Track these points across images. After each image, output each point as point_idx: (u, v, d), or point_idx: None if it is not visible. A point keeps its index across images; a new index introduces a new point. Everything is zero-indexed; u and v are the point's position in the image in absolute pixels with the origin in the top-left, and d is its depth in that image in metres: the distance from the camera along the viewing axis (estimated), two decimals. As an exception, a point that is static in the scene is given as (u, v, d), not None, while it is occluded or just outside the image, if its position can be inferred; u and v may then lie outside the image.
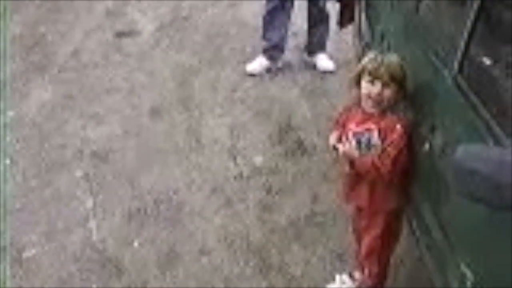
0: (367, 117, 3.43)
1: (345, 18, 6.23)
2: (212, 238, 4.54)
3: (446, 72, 3.12)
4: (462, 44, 3.00)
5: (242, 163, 5.27)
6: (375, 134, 3.38)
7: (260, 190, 4.96)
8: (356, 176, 3.53)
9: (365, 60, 3.46)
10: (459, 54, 3.01)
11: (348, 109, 3.63)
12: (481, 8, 2.90)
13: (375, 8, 4.81)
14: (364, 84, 3.39)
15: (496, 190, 2.17)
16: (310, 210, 4.72)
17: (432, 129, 3.11)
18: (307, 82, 6.42)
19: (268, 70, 6.61)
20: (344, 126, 3.58)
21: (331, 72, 6.54)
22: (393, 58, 3.43)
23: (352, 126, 3.49)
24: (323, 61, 6.71)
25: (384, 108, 3.39)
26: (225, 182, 5.07)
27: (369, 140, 3.40)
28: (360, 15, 5.33)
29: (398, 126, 3.33)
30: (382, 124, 3.37)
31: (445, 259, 2.98)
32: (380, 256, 3.71)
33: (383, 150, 3.34)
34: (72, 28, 7.80)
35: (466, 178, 2.26)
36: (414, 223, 3.55)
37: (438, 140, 3.04)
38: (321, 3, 6.52)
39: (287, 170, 5.16)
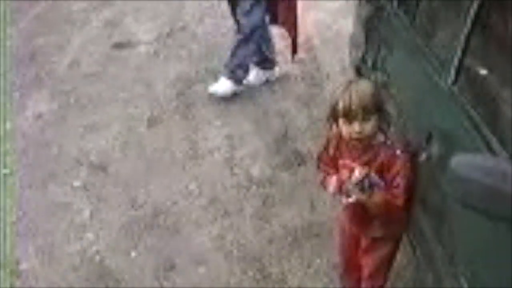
0: (361, 152, 3.26)
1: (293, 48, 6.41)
2: (209, 248, 4.55)
3: (441, 82, 3.13)
4: (457, 54, 3.02)
5: (239, 174, 5.28)
6: (372, 174, 3.21)
7: (257, 200, 4.96)
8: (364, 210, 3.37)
9: (335, 96, 3.18)
10: (454, 64, 3.03)
11: (333, 144, 3.40)
12: (476, 19, 2.92)
13: (371, 18, 4.82)
14: (342, 125, 3.17)
15: (491, 198, 2.19)
16: (307, 220, 4.72)
17: (428, 139, 3.12)
18: (303, 92, 6.42)
19: (266, 81, 6.60)
20: (335, 162, 3.42)
21: (328, 81, 6.54)
22: (363, 88, 3.15)
23: (346, 164, 3.33)
24: (217, 85, 6.39)
25: (372, 140, 3.22)
26: (223, 192, 5.08)
27: (369, 183, 3.21)
28: (356, 25, 5.34)
29: (399, 152, 3.20)
30: (381, 157, 3.21)
31: (443, 270, 2.98)
32: (383, 273, 3.66)
33: (391, 181, 3.21)
34: (70, 39, 7.81)
35: (461, 187, 2.28)
36: (412, 234, 3.55)
37: (434, 149, 3.05)
38: (243, 23, 6.14)
39: (284, 180, 5.17)
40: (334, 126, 3.25)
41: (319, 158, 3.52)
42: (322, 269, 4.30)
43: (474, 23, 2.93)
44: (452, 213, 2.86)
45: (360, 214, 3.43)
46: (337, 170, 3.41)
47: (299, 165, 5.33)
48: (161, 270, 4.37)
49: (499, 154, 2.50)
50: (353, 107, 3.08)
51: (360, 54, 4.96)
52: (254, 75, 6.57)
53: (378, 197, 3.22)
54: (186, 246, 4.57)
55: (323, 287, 4.16)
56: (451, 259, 2.87)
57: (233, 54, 6.25)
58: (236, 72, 6.29)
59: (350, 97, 3.09)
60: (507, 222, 2.28)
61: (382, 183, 3.22)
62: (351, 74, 5.45)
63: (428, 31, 3.73)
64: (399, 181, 3.18)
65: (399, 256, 3.80)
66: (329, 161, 3.45)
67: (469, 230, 2.73)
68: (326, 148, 3.44)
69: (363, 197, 3.21)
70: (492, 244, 2.51)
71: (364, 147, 3.24)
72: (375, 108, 3.11)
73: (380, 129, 3.21)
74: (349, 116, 3.11)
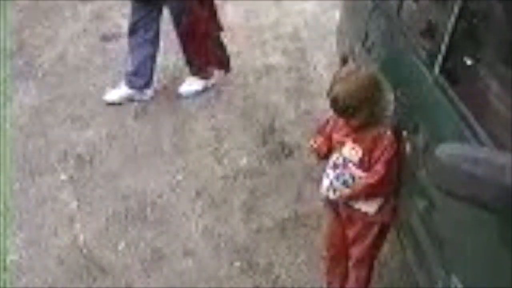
0: (352, 132, 3.38)
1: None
2: (197, 239, 4.55)
3: (427, 72, 3.14)
4: (443, 45, 3.03)
5: (226, 165, 5.28)
6: (353, 169, 3.38)
7: (245, 192, 4.97)
8: None
9: (331, 84, 3.29)
10: (440, 54, 3.04)
11: (333, 120, 3.54)
12: (462, 9, 2.93)
13: (358, 9, 4.83)
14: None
15: (476, 188, 2.20)
16: (294, 211, 4.73)
17: (415, 129, 3.13)
18: (290, 84, 6.43)
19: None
20: (330, 135, 3.54)
21: (315, 74, 6.54)
22: (356, 83, 3.22)
23: (339, 139, 3.47)
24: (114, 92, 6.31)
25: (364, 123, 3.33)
26: (210, 184, 5.08)
27: (352, 178, 3.40)
28: (343, 17, 5.35)
29: (387, 133, 3.30)
30: (371, 135, 3.33)
31: (432, 267, 2.98)
32: (370, 262, 3.71)
33: (376, 160, 3.31)
34: (57, 32, 7.77)
35: (447, 176, 2.28)
36: (399, 226, 3.56)
37: (421, 139, 3.06)
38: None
39: (272, 172, 5.18)
40: None
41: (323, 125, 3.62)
42: (309, 260, 4.30)
43: (460, 12, 2.94)
44: (441, 206, 2.86)
45: None
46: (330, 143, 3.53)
47: (286, 156, 5.34)
48: (148, 262, 4.36)
49: (485, 144, 2.51)
50: (339, 104, 3.21)
51: (347, 46, 4.97)
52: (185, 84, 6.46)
53: (360, 185, 3.37)
54: (173, 238, 4.57)
55: (311, 278, 4.16)
56: (443, 257, 2.87)
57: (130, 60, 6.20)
58: (133, 80, 6.22)
59: (337, 94, 3.21)
60: (491, 212, 2.29)
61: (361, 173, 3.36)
62: (338, 65, 5.46)
63: (414, 20, 3.74)
64: (383, 159, 3.28)
65: (387, 243, 3.81)
66: (327, 129, 3.56)
67: (456, 221, 2.74)
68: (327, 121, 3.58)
69: (347, 191, 3.40)
70: (488, 242, 2.50)
71: (356, 128, 3.34)
72: (365, 103, 3.20)
73: (372, 118, 3.31)
74: (336, 111, 3.25)
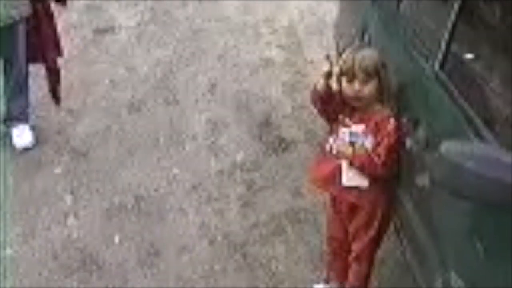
0: (359, 113, 3.45)
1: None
2: (193, 234, 4.53)
3: (428, 67, 3.13)
4: (444, 40, 3.01)
5: (223, 159, 5.26)
6: (369, 138, 3.40)
7: (241, 186, 4.95)
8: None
9: (340, 62, 3.49)
10: (441, 49, 3.03)
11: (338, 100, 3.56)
12: (463, 4, 2.91)
13: (356, 3, 4.81)
14: (344, 85, 3.42)
15: (480, 185, 2.18)
16: (291, 206, 4.72)
17: (415, 124, 3.12)
18: (287, 77, 6.41)
19: None
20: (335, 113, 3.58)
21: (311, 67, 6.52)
22: (366, 53, 3.45)
23: (343, 122, 3.51)
24: (21, 139, 5.48)
25: (370, 103, 3.40)
26: (206, 178, 5.06)
27: (362, 143, 3.41)
28: (340, 10, 5.33)
29: (392, 119, 3.35)
30: (376, 118, 3.39)
31: (432, 263, 2.97)
32: (370, 257, 3.71)
33: (378, 143, 3.35)
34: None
35: (449, 173, 2.27)
36: (398, 223, 3.54)
37: (421, 135, 3.05)
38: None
39: (268, 166, 5.16)
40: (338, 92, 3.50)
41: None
42: (306, 255, 4.30)
43: (461, 8, 2.92)
44: (441, 201, 2.85)
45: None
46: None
47: (282, 150, 5.32)
48: (144, 257, 4.35)
49: (486, 139, 2.49)
50: (355, 67, 3.36)
51: (344, 42, 4.95)
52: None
53: (362, 152, 3.41)
54: (169, 232, 4.55)
55: (308, 273, 4.15)
56: (442, 253, 2.86)
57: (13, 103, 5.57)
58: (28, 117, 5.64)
59: (354, 58, 3.39)
60: (495, 209, 2.28)
61: (370, 145, 3.40)
62: (335, 60, 5.44)
63: (414, 15, 3.72)
64: (386, 142, 3.35)
65: (384, 244, 3.79)
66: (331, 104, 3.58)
67: (455, 217, 2.72)
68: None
69: (349, 150, 3.43)
70: (488, 238, 2.48)
71: (362, 110, 3.44)
72: (375, 72, 3.36)
73: (378, 99, 3.42)
74: (350, 76, 3.38)
